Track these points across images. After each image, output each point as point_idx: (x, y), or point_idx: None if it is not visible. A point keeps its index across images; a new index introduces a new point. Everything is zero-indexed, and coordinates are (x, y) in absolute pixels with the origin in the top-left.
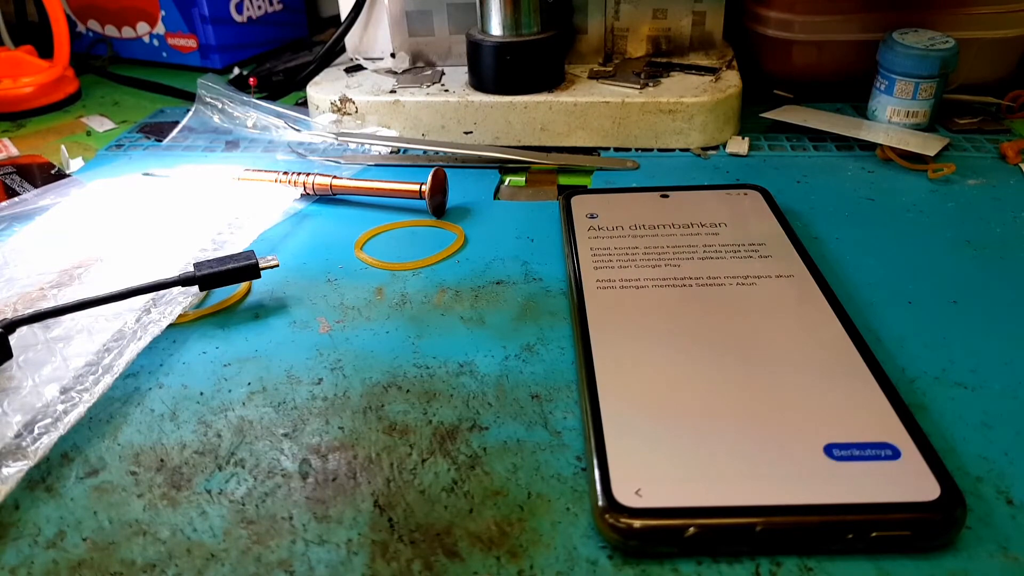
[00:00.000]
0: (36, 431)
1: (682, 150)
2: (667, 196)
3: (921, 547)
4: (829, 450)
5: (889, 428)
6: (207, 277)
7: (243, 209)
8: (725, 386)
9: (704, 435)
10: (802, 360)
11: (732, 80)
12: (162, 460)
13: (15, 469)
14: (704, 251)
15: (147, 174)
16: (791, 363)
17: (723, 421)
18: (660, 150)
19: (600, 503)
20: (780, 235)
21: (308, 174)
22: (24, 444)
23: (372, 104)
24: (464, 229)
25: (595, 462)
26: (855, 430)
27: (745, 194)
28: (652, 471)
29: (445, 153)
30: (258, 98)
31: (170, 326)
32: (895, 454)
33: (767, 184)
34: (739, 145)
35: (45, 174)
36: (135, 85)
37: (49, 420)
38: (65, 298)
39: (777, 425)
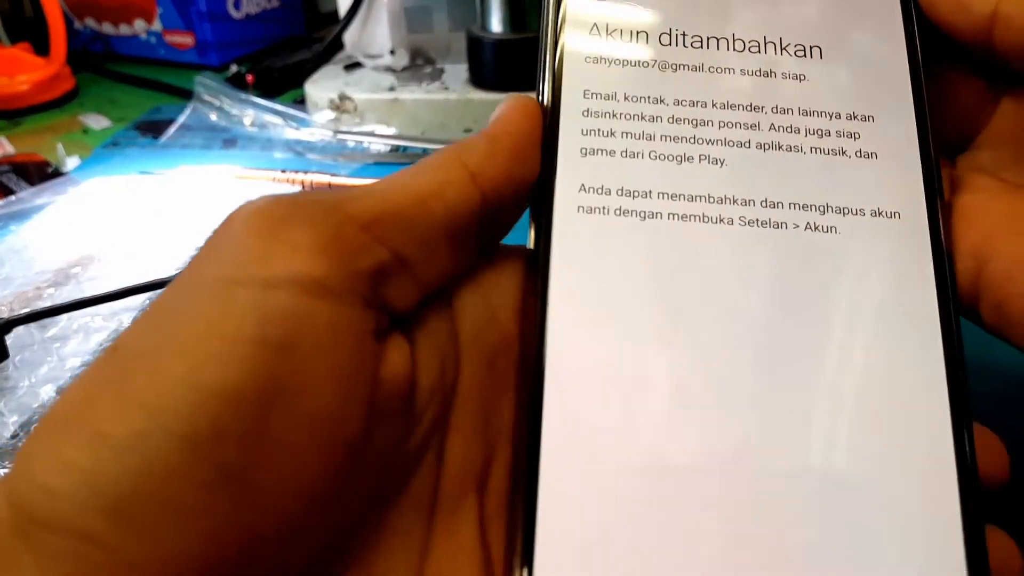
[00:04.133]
0: (32, 431)
1: None
2: None
3: None
4: None
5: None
6: None
7: None
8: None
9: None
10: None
11: None
12: None
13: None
14: (772, 127)
15: (144, 172)
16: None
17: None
18: None
19: None
20: (903, 92)
21: (306, 172)
22: (20, 445)
23: (371, 102)
24: None
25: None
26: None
27: None
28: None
29: None
30: (256, 96)
31: None
32: None
33: None
34: None
35: (41, 172)
36: (132, 82)
37: None
38: (61, 297)
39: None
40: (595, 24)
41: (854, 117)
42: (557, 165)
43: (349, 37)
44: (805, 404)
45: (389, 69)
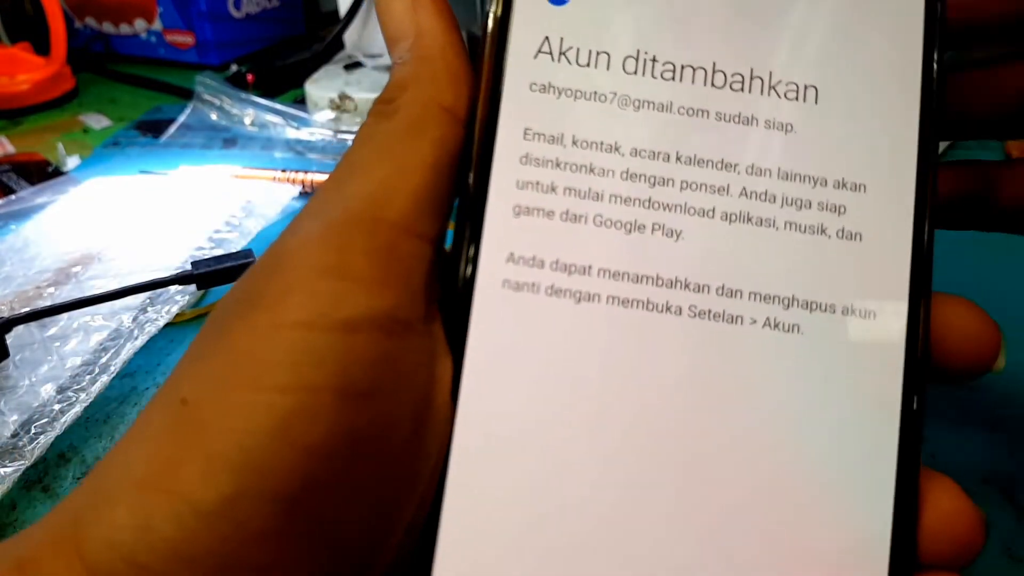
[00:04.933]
0: (32, 431)
1: None
2: None
3: None
4: None
5: None
6: (205, 276)
7: (241, 207)
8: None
9: None
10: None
11: None
12: None
13: (12, 469)
14: (743, 192)
15: (144, 172)
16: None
17: None
18: None
19: None
20: (907, 155)
21: (306, 172)
22: (20, 444)
23: (371, 101)
24: None
25: None
26: None
27: None
28: None
29: None
30: (256, 95)
31: (167, 325)
32: None
33: None
34: None
35: (42, 172)
36: (132, 82)
37: (46, 420)
38: (62, 297)
39: None
40: (547, 38)
41: (842, 185)
42: (483, 225)
43: (349, 37)
44: (723, 539)
45: (389, 69)
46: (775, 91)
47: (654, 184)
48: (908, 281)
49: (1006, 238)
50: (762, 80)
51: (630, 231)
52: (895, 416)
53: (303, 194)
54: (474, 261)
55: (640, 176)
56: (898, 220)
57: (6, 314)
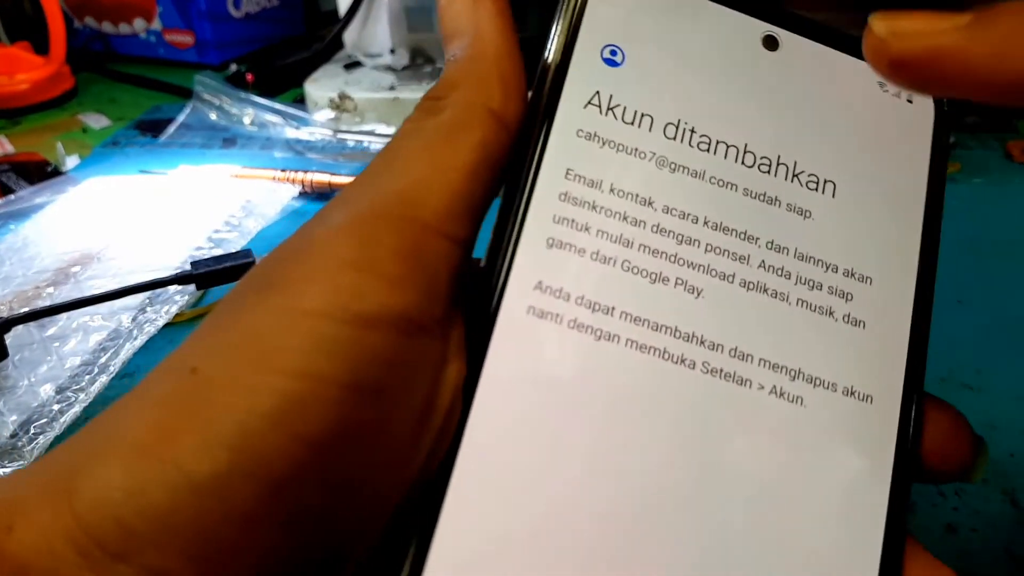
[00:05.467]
0: (32, 431)
1: None
2: (775, 43)
3: None
4: None
5: None
6: (204, 276)
7: (240, 207)
8: None
9: None
10: None
11: None
12: None
13: (11, 469)
14: (762, 265)
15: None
16: None
17: None
18: None
19: None
20: (909, 259)
21: (306, 171)
22: (20, 444)
23: (371, 101)
24: None
25: None
26: None
27: (909, 100)
28: None
29: None
30: (255, 95)
31: (167, 325)
32: None
33: None
34: None
35: (41, 171)
36: (131, 82)
37: (45, 420)
38: (61, 297)
39: None
40: (597, 93)
41: (851, 275)
42: (517, 251)
43: (349, 36)
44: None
45: (389, 68)
46: (798, 179)
47: (681, 242)
48: (904, 374)
49: (1005, 243)
50: (787, 167)
51: (654, 281)
52: (883, 497)
53: (303, 194)
54: (503, 282)
55: (669, 232)
56: (898, 316)
57: (5, 314)
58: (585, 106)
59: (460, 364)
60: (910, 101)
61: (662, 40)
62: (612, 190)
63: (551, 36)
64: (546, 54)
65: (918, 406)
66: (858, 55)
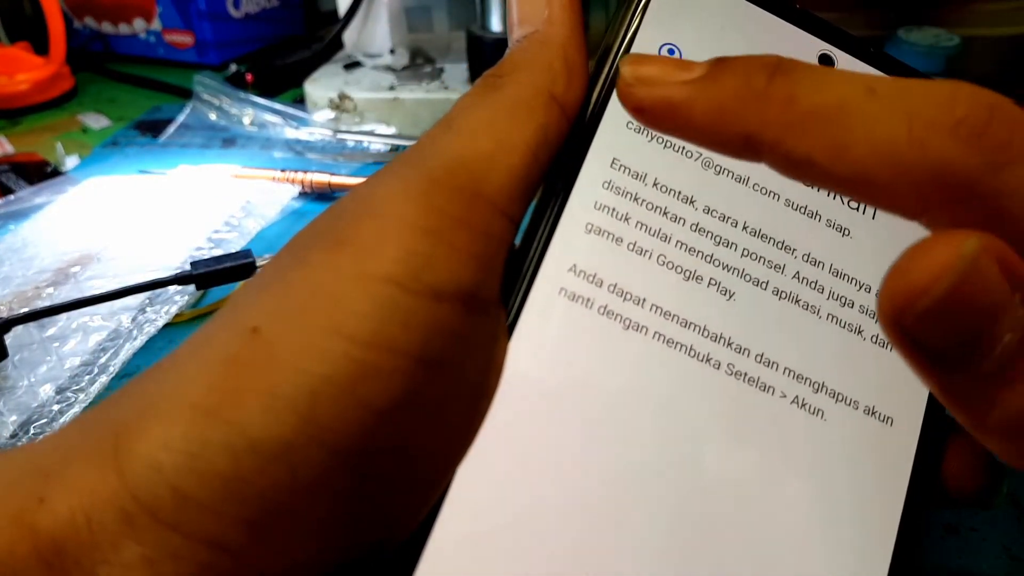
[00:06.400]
0: (31, 431)
1: None
2: (831, 61)
3: None
4: None
5: None
6: (204, 276)
7: (240, 207)
8: None
9: None
10: None
11: None
12: None
13: None
14: (797, 276)
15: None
16: None
17: None
18: None
19: None
20: None
21: (306, 172)
22: (19, 445)
23: (371, 101)
24: None
25: None
26: None
27: None
28: None
29: None
30: (255, 95)
31: (166, 325)
32: None
33: None
34: None
35: (40, 172)
36: (131, 82)
37: (45, 420)
38: (60, 297)
39: None
40: None
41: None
42: (555, 232)
43: (349, 36)
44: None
45: (389, 68)
46: (840, 197)
47: (718, 243)
48: (927, 400)
49: None
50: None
51: (688, 279)
52: (895, 519)
53: (302, 194)
54: (538, 261)
55: (707, 232)
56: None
57: (5, 314)
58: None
59: (507, 343)
60: None
61: (719, 45)
62: (656, 184)
63: (613, 30)
64: (605, 43)
65: (940, 433)
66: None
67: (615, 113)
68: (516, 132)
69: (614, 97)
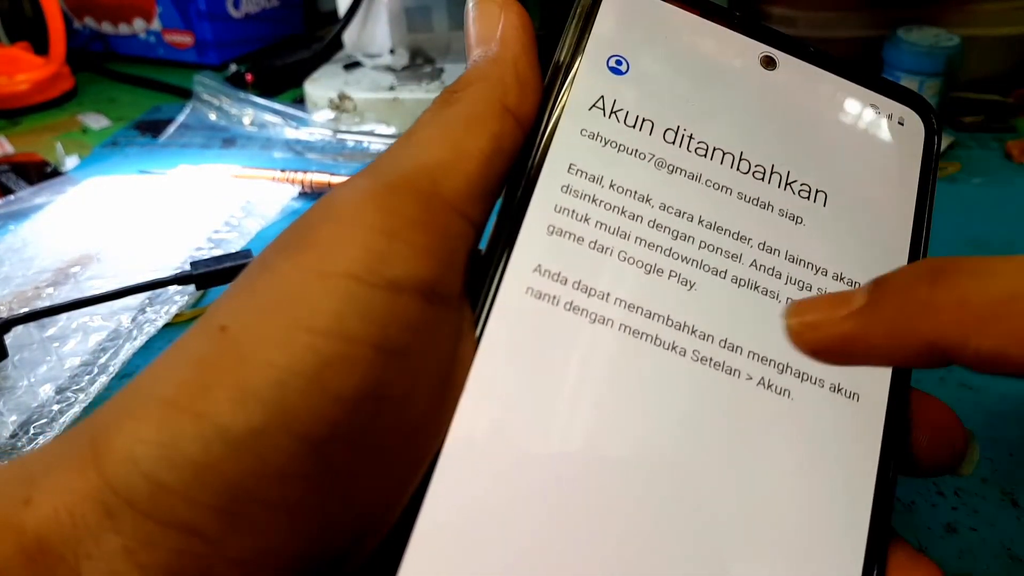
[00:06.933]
0: (31, 431)
1: None
2: (773, 63)
3: None
4: None
5: None
6: (204, 276)
7: (240, 207)
8: None
9: None
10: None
11: None
12: None
13: None
14: (754, 264)
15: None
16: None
17: None
18: None
19: None
20: (897, 256)
21: (306, 172)
22: (19, 444)
23: (371, 101)
24: None
25: None
26: None
27: (900, 123)
28: None
29: None
30: (255, 95)
31: (166, 325)
32: None
33: None
34: None
35: (40, 172)
36: (131, 82)
37: (45, 420)
38: (60, 297)
39: None
40: (602, 97)
41: (840, 279)
42: (518, 236)
43: (349, 36)
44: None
45: (389, 68)
46: (791, 187)
47: (676, 237)
48: (890, 377)
49: (1005, 243)
50: (780, 176)
51: (649, 272)
52: (868, 492)
53: (302, 194)
54: (505, 262)
55: (665, 228)
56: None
57: (5, 314)
58: (590, 108)
59: (473, 341)
60: (901, 123)
61: (665, 54)
62: (612, 186)
63: (562, 42)
64: (556, 58)
65: (905, 403)
66: (851, 77)
67: (570, 121)
68: (471, 140)
69: (569, 106)
